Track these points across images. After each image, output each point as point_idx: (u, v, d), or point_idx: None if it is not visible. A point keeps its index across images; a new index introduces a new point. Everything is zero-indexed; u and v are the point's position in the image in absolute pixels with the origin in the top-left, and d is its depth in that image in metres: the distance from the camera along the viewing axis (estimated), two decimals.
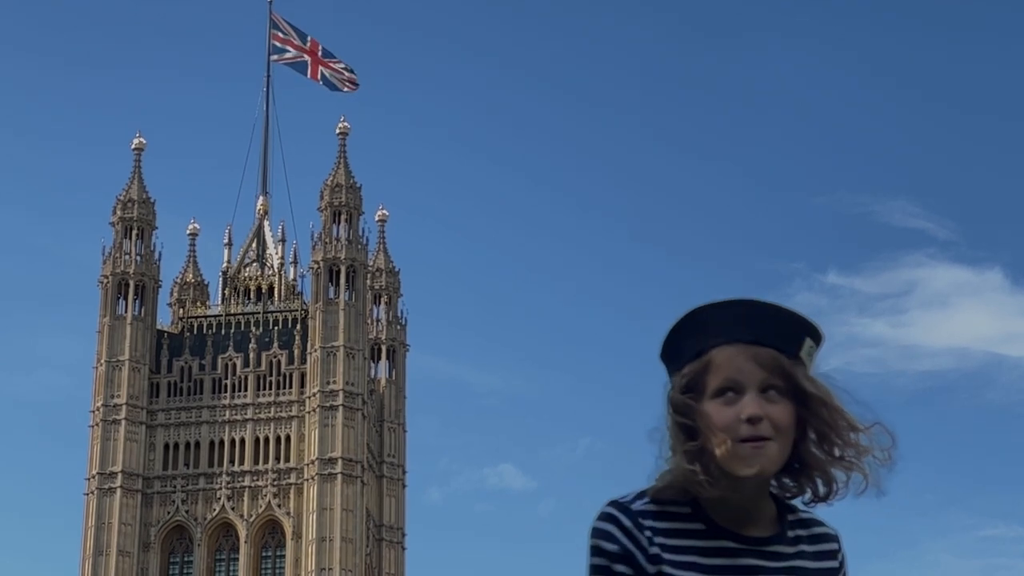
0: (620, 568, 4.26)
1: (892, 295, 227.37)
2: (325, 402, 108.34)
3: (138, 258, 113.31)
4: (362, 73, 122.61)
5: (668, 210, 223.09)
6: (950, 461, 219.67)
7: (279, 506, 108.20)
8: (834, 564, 4.39)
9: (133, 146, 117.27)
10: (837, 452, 4.28)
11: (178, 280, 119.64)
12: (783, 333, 4.25)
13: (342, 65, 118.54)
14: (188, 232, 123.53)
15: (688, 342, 4.28)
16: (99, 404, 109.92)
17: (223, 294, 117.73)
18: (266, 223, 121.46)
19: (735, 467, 4.15)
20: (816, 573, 4.34)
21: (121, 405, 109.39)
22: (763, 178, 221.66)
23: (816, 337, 4.27)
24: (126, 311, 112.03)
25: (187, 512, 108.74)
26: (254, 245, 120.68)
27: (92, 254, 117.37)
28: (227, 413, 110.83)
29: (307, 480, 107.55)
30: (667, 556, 4.26)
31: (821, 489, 4.34)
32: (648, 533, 4.27)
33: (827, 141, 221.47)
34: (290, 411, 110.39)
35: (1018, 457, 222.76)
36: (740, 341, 4.22)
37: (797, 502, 4.40)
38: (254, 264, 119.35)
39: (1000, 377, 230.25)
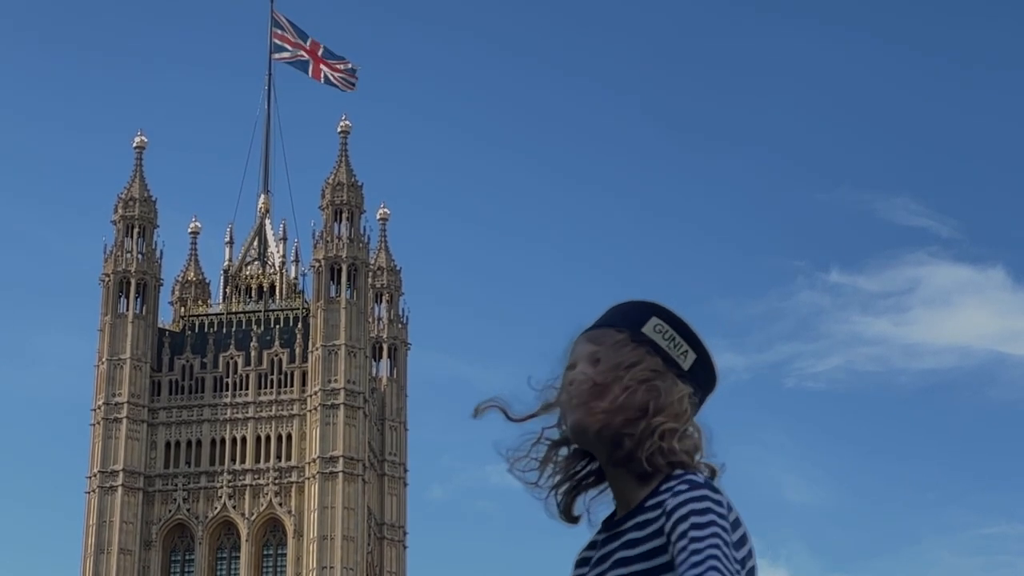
0: None
1: (894, 293, 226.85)
2: (326, 400, 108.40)
3: (139, 256, 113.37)
4: (363, 70, 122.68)
5: (672, 208, 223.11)
6: (952, 459, 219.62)
7: (280, 504, 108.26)
8: (659, 524, 4.45)
9: (135, 144, 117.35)
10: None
11: (179, 278, 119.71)
12: (622, 314, 4.64)
13: (344, 66, 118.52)
14: (189, 230, 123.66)
15: None
16: (100, 402, 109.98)
17: (224, 292, 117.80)
18: (267, 221, 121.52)
19: (567, 426, 4.62)
20: (642, 540, 4.46)
21: (122, 403, 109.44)
22: (765, 175, 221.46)
23: (667, 317, 4.62)
24: (127, 309, 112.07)
25: (188, 510, 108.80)
26: (255, 243, 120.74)
27: (94, 252, 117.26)
28: (228, 411, 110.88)
29: (308, 478, 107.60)
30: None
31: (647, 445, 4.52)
32: None
33: (830, 138, 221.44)
34: (291, 409, 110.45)
35: (1020, 455, 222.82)
36: (588, 330, 4.70)
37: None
38: (255, 262, 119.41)
39: (1002, 375, 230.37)
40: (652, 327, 4.58)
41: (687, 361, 4.59)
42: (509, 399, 4.74)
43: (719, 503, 4.37)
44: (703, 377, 4.63)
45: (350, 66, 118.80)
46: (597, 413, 4.52)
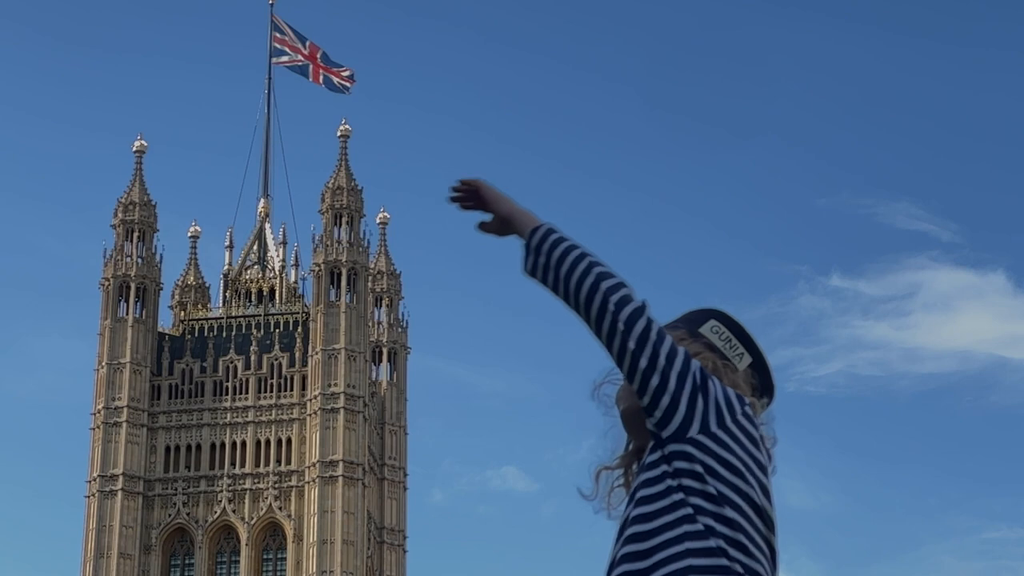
0: None
1: (895, 298, 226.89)
2: (326, 404, 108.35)
3: (139, 260, 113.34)
4: (363, 75, 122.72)
5: (672, 212, 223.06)
6: (953, 463, 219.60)
7: (280, 508, 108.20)
8: None
9: (134, 148, 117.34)
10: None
11: (179, 282, 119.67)
12: (683, 318, 5.06)
13: (344, 73, 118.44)
14: (189, 234, 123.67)
15: None
16: (100, 407, 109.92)
17: (224, 296, 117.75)
18: (267, 225, 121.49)
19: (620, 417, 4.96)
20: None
21: (122, 408, 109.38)
22: (766, 180, 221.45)
23: (725, 320, 4.94)
24: (127, 313, 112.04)
25: (188, 515, 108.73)
26: (255, 247, 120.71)
27: (93, 256, 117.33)
28: (228, 416, 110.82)
29: (308, 482, 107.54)
30: None
31: None
32: None
33: (831, 143, 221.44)
34: (291, 413, 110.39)
35: (1021, 459, 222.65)
36: None
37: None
38: (255, 266, 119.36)
39: (1003, 379, 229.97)
40: (709, 328, 4.89)
41: (742, 363, 4.84)
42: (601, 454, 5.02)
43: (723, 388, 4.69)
44: (760, 382, 4.88)
45: (349, 73, 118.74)
46: None
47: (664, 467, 4.53)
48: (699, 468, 4.48)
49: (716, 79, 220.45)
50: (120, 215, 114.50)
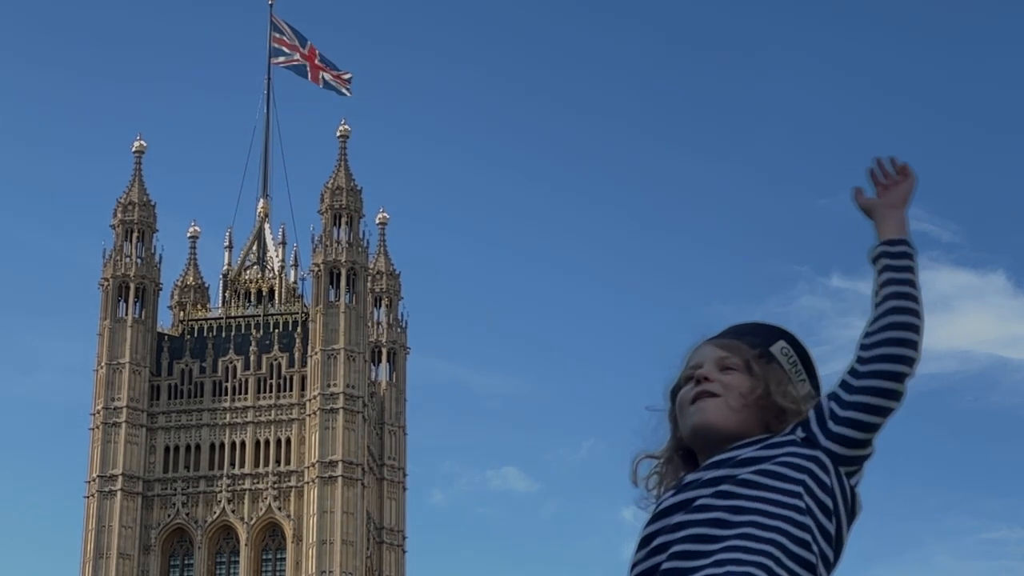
0: None
1: None
2: (326, 405, 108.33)
3: (139, 261, 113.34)
4: (363, 76, 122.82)
5: (671, 213, 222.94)
6: (953, 464, 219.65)
7: (279, 509, 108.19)
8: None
9: (134, 149, 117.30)
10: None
11: (179, 283, 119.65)
12: (753, 332, 5.01)
13: (345, 75, 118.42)
14: (189, 235, 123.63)
15: None
16: (100, 407, 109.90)
17: (223, 297, 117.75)
18: (267, 226, 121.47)
19: (684, 424, 4.89)
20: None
21: (122, 408, 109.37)
22: (766, 180, 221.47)
23: (794, 344, 5.00)
24: (127, 314, 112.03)
25: (188, 515, 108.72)
26: (255, 248, 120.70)
27: (93, 256, 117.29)
28: (228, 416, 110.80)
29: (308, 483, 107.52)
30: None
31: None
32: None
33: (831, 143, 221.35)
34: (291, 414, 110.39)
35: (1021, 459, 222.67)
36: (713, 339, 5.03)
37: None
38: (255, 267, 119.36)
39: (1004, 380, 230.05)
40: (779, 348, 4.97)
41: (803, 389, 4.99)
42: (644, 439, 5.08)
43: None
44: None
45: (348, 76, 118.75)
46: (742, 422, 4.88)
47: (806, 463, 4.72)
48: (828, 482, 4.74)
49: (716, 79, 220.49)
50: (119, 215, 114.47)
